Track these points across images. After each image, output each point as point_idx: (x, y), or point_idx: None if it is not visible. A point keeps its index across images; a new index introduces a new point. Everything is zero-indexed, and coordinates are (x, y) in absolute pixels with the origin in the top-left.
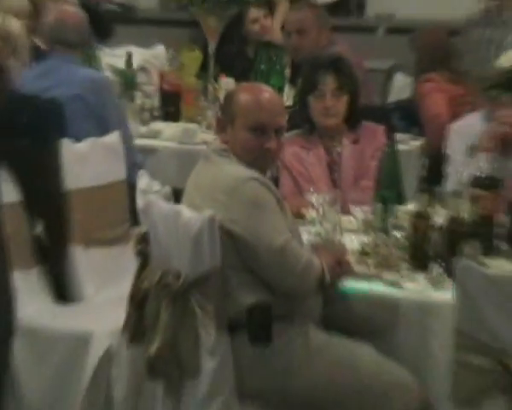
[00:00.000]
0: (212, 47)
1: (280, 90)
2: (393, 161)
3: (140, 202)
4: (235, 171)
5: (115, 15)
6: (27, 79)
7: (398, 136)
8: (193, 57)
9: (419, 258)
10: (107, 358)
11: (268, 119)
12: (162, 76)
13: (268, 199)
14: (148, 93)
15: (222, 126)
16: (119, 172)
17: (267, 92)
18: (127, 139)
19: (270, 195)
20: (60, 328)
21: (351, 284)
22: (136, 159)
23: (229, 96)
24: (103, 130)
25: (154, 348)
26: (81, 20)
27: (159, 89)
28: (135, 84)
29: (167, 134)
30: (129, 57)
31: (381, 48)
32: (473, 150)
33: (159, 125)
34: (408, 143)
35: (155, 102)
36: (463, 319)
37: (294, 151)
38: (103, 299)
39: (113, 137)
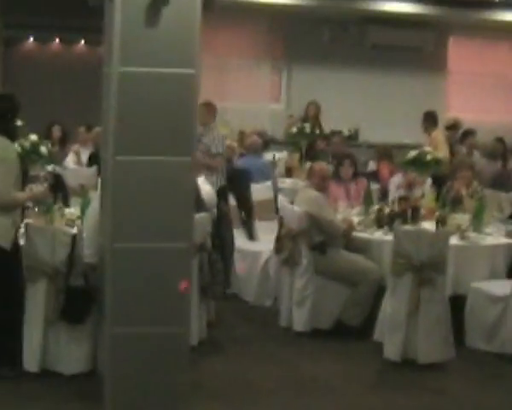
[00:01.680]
0: None
1: None
2: (369, 189)
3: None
4: (313, 192)
5: None
6: (239, 162)
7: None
8: None
9: (380, 225)
10: (267, 259)
11: (325, 180)
12: None
13: (325, 202)
14: None
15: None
16: (270, 195)
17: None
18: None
19: (326, 201)
20: (249, 247)
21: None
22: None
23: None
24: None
25: (285, 255)
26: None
27: None
28: None
29: None
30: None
31: (363, 153)
32: (398, 188)
33: None
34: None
35: None
36: (397, 245)
37: (334, 186)
38: (266, 239)
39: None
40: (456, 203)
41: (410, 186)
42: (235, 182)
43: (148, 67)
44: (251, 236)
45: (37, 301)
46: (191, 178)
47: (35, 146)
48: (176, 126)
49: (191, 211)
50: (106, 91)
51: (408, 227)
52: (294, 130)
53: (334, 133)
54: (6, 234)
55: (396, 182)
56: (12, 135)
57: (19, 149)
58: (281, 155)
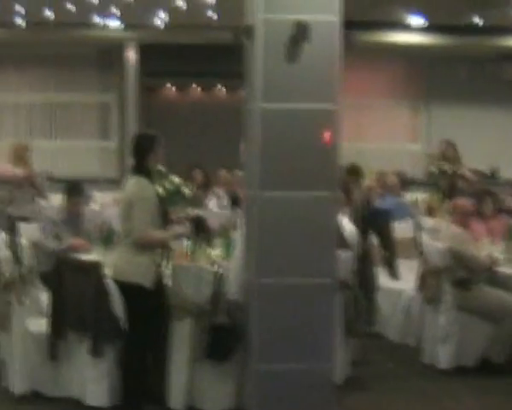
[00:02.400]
0: None
1: None
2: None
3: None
4: (456, 229)
5: None
6: (379, 202)
7: None
8: None
9: None
10: (410, 298)
11: (467, 216)
12: None
13: (468, 238)
14: None
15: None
16: (410, 233)
17: None
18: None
19: (468, 237)
20: (392, 285)
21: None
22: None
23: None
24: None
25: (428, 292)
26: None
27: None
28: None
29: None
30: None
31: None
32: None
33: None
34: None
35: None
36: None
37: (475, 224)
38: (408, 278)
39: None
40: None
41: None
42: (376, 221)
43: (289, 102)
44: (393, 274)
45: (182, 339)
46: (333, 214)
47: (178, 188)
48: (317, 161)
49: (334, 247)
50: (249, 128)
51: None
52: (434, 169)
53: (474, 171)
54: (146, 273)
55: None
56: (149, 174)
57: (161, 190)
58: (421, 195)
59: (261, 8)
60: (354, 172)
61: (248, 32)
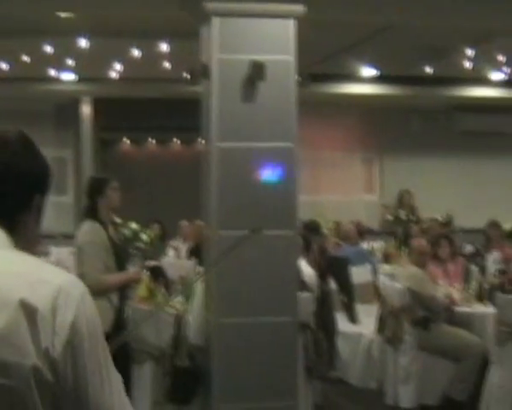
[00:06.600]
0: None
1: None
2: (467, 268)
3: (381, 283)
4: (413, 268)
5: None
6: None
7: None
8: None
9: (480, 299)
10: (370, 341)
11: (424, 255)
12: None
13: (426, 278)
14: None
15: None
16: (369, 278)
17: None
18: None
19: (426, 276)
20: (351, 330)
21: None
22: None
23: None
24: None
25: (388, 333)
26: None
27: None
28: None
29: None
30: None
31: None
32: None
33: None
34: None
35: None
36: (500, 315)
37: (432, 267)
38: (368, 322)
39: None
40: None
41: (507, 260)
42: (334, 268)
43: (245, 141)
44: (352, 319)
45: (144, 383)
46: (294, 252)
47: (136, 233)
48: (275, 200)
49: (295, 284)
50: (206, 169)
51: (511, 296)
52: (390, 217)
53: (428, 220)
54: (103, 317)
55: (493, 257)
56: (101, 219)
57: (116, 235)
58: (377, 244)
59: (216, 48)
60: (312, 227)
61: (204, 71)
